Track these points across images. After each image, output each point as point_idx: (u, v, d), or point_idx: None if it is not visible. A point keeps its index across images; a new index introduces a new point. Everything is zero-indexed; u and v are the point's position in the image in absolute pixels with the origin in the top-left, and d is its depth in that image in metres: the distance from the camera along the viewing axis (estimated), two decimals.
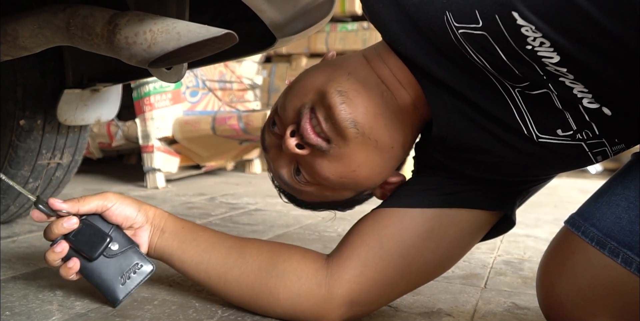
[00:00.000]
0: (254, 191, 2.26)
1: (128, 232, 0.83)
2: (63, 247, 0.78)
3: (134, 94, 2.28)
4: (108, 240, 0.79)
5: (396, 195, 0.79)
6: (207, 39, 0.59)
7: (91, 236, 0.79)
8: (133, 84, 2.28)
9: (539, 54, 0.58)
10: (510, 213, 0.78)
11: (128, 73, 1.15)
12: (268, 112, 2.25)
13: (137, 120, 2.31)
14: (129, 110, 2.28)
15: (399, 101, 0.71)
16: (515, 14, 0.56)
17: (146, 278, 0.81)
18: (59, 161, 1.30)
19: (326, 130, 0.69)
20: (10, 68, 1.15)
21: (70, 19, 0.65)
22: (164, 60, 0.62)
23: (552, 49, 0.57)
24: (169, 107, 2.35)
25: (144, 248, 0.83)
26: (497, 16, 0.57)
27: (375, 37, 2.94)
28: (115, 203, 0.80)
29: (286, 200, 0.86)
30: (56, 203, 0.77)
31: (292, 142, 0.70)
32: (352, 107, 0.69)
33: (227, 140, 2.40)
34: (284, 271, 0.77)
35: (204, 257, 0.80)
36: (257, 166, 2.99)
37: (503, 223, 0.80)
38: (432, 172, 0.78)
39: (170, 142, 2.37)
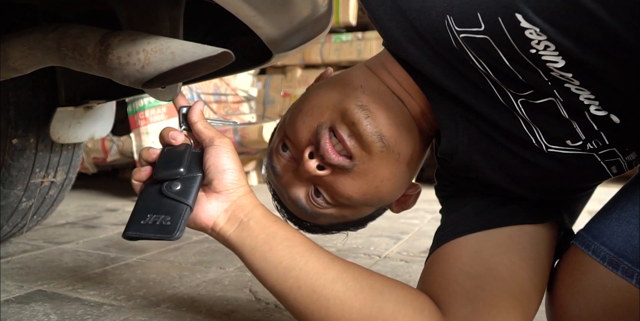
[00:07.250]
0: None
1: (203, 188, 0.70)
2: (155, 153, 0.71)
3: (129, 109, 2.26)
4: (178, 173, 0.68)
5: (437, 235, 0.75)
6: (203, 59, 0.57)
7: (173, 161, 0.69)
8: (128, 99, 2.26)
9: (543, 58, 0.55)
10: (561, 221, 0.73)
11: (122, 90, 1.13)
12: (264, 125, 2.24)
13: (132, 135, 2.29)
14: (123, 124, 2.26)
15: (410, 110, 0.70)
16: (519, 16, 0.53)
17: (160, 239, 0.67)
18: (52, 179, 1.28)
19: (350, 147, 0.67)
20: (2, 87, 1.13)
21: (61, 39, 0.63)
22: (158, 80, 0.60)
23: (557, 53, 0.55)
24: (164, 121, 2.33)
25: (201, 217, 0.69)
26: (500, 19, 0.55)
27: (370, 47, 2.94)
28: (221, 147, 0.70)
29: (295, 227, 0.77)
30: (194, 114, 0.72)
31: (312, 163, 0.68)
32: (377, 121, 0.67)
33: None
34: (405, 297, 0.67)
35: (298, 261, 0.67)
36: (253, 178, 2.97)
37: (567, 237, 0.74)
38: (458, 201, 0.76)
39: None
